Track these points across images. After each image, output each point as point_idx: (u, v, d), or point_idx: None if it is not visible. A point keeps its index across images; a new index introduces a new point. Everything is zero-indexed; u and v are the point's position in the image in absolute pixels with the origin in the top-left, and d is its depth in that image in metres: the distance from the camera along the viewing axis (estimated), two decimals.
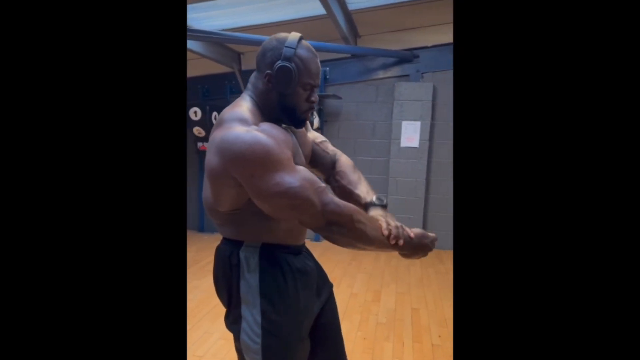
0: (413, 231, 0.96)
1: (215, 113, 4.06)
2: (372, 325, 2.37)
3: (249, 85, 0.94)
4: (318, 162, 1.14)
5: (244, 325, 0.92)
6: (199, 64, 3.93)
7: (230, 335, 0.98)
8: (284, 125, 0.94)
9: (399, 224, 0.95)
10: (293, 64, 0.87)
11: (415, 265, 3.47)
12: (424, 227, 3.91)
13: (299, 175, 0.83)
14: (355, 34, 3.74)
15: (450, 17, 3.43)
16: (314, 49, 0.92)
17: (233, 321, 0.96)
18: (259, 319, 0.91)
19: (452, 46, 3.65)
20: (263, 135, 0.82)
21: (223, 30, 3.29)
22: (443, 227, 3.91)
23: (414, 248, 0.96)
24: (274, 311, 0.91)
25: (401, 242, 0.91)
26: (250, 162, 0.80)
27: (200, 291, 2.83)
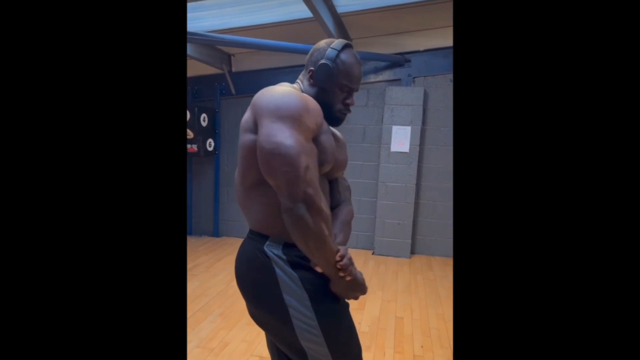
0: (357, 274, 0.95)
1: (204, 115, 4.02)
2: None
3: (297, 80, 1.05)
4: (324, 191, 1.12)
5: (292, 312, 0.92)
6: (188, 65, 3.88)
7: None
8: None
9: (353, 262, 0.94)
10: (333, 64, 0.97)
11: (404, 271, 3.42)
12: (414, 232, 3.88)
13: (310, 149, 0.86)
14: (346, 38, 3.70)
15: (442, 21, 3.41)
16: (358, 57, 1.02)
17: (271, 311, 0.95)
18: (308, 303, 0.92)
19: (443, 50, 3.63)
20: (300, 97, 0.89)
21: (211, 31, 3.25)
22: (433, 232, 3.88)
23: (347, 288, 0.95)
24: (318, 292, 0.93)
25: (348, 278, 0.91)
26: (278, 109, 0.85)
27: None
